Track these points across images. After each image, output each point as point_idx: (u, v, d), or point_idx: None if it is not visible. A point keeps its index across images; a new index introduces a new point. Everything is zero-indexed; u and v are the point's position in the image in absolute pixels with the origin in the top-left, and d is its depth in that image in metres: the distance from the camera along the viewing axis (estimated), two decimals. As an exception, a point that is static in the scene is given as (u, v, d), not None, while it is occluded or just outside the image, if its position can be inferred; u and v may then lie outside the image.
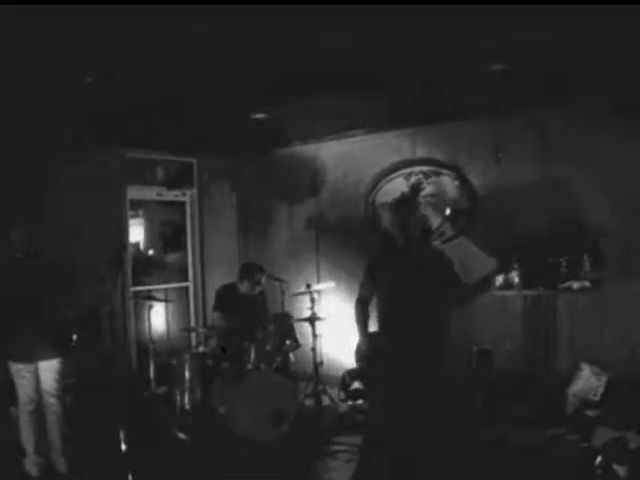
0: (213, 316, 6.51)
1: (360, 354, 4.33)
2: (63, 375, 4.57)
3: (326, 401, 6.36)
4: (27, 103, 5.30)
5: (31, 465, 4.54)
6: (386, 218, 4.33)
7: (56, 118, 5.82)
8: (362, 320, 4.28)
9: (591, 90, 5.48)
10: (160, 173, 7.91)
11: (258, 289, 6.40)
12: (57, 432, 4.51)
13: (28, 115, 5.63)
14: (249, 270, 6.43)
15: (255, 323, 6.01)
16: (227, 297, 6.43)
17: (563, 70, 4.97)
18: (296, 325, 6.47)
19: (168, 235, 8.32)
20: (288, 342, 6.23)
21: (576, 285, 5.64)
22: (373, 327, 4.33)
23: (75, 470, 4.54)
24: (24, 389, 4.52)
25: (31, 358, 4.48)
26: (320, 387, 6.19)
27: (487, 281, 4.17)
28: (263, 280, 6.40)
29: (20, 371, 4.50)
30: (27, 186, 6.08)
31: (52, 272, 4.62)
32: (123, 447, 4.46)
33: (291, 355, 6.27)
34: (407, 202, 4.34)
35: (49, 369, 4.51)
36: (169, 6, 3.40)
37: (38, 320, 4.46)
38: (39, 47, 4.05)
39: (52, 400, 4.52)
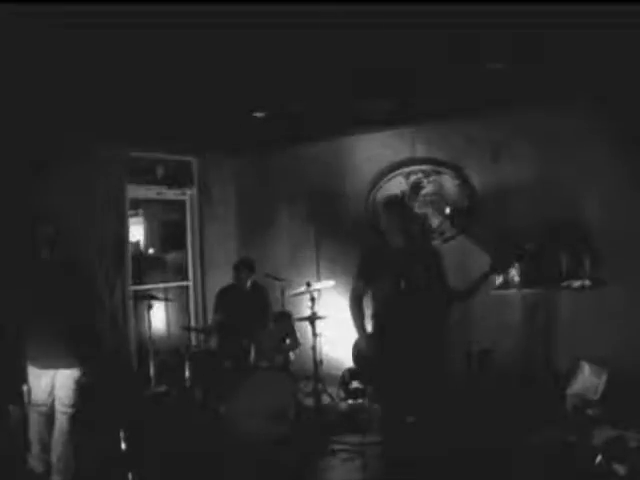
0: (213, 318, 6.52)
1: (359, 352, 4.33)
2: (79, 384, 4.47)
3: (326, 400, 6.36)
4: (28, 101, 5.32)
5: (36, 462, 4.51)
6: (381, 218, 4.32)
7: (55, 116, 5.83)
8: (359, 318, 4.27)
9: (589, 90, 5.49)
10: (160, 172, 7.90)
11: (249, 284, 6.40)
12: (60, 442, 4.41)
13: (28, 113, 5.64)
14: (236, 267, 6.45)
15: (253, 320, 6.02)
16: (225, 297, 6.45)
17: (561, 69, 4.98)
18: (296, 324, 6.47)
19: (168, 234, 8.32)
20: (288, 341, 6.25)
21: (576, 284, 5.65)
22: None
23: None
24: (39, 393, 4.47)
25: (52, 366, 4.41)
26: (320, 386, 6.19)
27: (482, 281, 4.16)
28: (251, 275, 6.38)
29: (39, 375, 4.45)
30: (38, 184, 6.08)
31: (78, 275, 4.55)
32: (123, 446, 4.46)
33: (291, 354, 6.28)
34: (396, 203, 4.34)
35: (67, 378, 4.43)
36: (170, 5, 3.41)
37: (62, 327, 4.39)
38: (37, 47, 4.06)
39: (63, 409, 4.44)
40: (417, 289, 4.07)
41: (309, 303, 6.22)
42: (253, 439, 5.25)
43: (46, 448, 4.48)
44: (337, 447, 5.29)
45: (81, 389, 4.49)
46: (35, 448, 4.50)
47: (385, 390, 4.26)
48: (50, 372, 4.42)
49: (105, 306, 4.72)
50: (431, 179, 6.84)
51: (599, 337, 5.67)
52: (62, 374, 4.42)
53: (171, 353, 6.39)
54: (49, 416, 4.48)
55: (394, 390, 4.11)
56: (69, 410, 4.44)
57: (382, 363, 4.14)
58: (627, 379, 5.27)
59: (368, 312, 4.29)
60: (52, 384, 4.44)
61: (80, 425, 4.52)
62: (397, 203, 4.35)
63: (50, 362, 4.40)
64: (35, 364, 4.44)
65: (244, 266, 6.39)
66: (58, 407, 4.45)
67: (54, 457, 4.41)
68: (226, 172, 8.43)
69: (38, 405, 4.49)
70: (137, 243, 7.92)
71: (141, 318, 7.05)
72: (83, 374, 4.47)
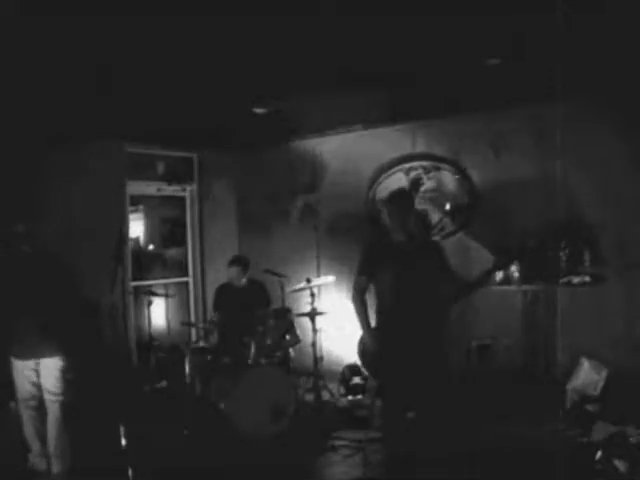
0: (213, 315, 6.52)
1: (364, 347, 4.32)
2: (65, 373, 4.50)
3: (326, 396, 6.36)
4: (26, 98, 5.30)
5: (37, 459, 4.52)
6: (384, 213, 4.35)
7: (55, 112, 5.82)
8: (363, 312, 4.28)
9: (588, 85, 5.47)
10: (160, 168, 7.90)
11: (244, 281, 6.40)
12: (55, 431, 4.46)
13: (25, 110, 5.62)
14: (229, 263, 6.45)
15: (250, 316, 6.01)
16: (223, 294, 6.44)
17: (561, 65, 4.96)
18: (296, 320, 6.46)
19: (168, 230, 8.32)
20: (288, 337, 6.23)
21: (576, 280, 5.64)
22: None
23: (71, 470, 4.49)
24: (25, 386, 4.48)
25: (33, 355, 4.43)
26: (320, 382, 6.19)
27: (485, 277, 4.17)
28: (245, 273, 6.36)
29: (22, 368, 4.46)
30: (27, 181, 6.07)
31: (56, 268, 4.58)
32: (123, 442, 4.46)
33: (291, 350, 6.27)
34: (401, 197, 4.34)
35: (51, 367, 4.45)
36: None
37: (41, 317, 4.42)
38: (37, 41, 4.05)
39: (52, 398, 4.46)
40: (420, 284, 4.07)
41: (309, 299, 6.21)
42: (253, 435, 5.25)
43: (45, 444, 4.49)
44: (337, 443, 5.29)
45: (67, 377, 4.51)
46: (35, 445, 4.51)
47: (390, 385, 4.27)
48: (32, 363, 4.44)
49: (84, 296, 4.76)
50: (431, 175, 6.83)
51: (599, 333, 5.67)
52: (45, 364, 4.44)
53: (171, 349, 6.38)
54: (39, 409, 4.50)
55: (399, 386, 4.12)
56: (58, 398, 4.46)
57: (387, 358, 4.14)
58: (627, 375, 5.27)
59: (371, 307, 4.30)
60: (37, 376, 4.46)
61: (77, 418, 4.55)
62: (401, 197, 4.35)
63: (30, 351, 4.42)
64: (18, 357, 4.47)
65: (237, 264, 6.38)
66: (47, 397, 4.47)
67: (51, 447, 4.44)
68: (226, 168, 8.43)
69: (27, 399, 4.50)
70: (137, 239, 7.92)
71: (141, 314, 7.06)
72: (67, 363, 4.49)
